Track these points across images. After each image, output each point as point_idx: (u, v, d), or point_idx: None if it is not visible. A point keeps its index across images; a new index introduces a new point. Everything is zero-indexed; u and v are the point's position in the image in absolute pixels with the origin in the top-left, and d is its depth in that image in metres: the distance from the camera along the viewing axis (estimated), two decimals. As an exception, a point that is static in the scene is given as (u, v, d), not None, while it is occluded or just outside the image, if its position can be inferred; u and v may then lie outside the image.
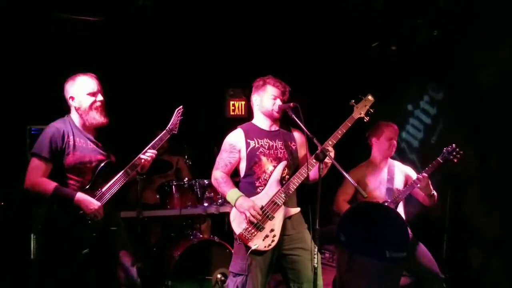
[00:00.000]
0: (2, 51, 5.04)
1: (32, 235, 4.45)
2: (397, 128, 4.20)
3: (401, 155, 5.63)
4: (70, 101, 3.27)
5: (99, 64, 5.25)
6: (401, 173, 4.09)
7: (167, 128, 3.44)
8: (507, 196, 4.60)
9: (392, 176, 4.04)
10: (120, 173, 3.28)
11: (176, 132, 3.46)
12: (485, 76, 4.65)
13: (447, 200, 5.08)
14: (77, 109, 3.27)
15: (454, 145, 3.86)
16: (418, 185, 3.84)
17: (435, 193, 3.97)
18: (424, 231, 5.34)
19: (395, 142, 4.13)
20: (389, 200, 3.87)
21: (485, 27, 4.75)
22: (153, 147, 3.38)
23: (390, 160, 4.15)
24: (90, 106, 3.26)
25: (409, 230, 3.91)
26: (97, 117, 3.28)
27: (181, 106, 3.50)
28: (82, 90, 3.25)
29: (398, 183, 4.03)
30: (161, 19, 5.29)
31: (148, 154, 3.34)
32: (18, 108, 5.16)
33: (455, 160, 3.83)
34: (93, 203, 3.15)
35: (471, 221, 5.00)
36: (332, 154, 3.21)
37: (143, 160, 3.32)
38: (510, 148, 4.56)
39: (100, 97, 3.29)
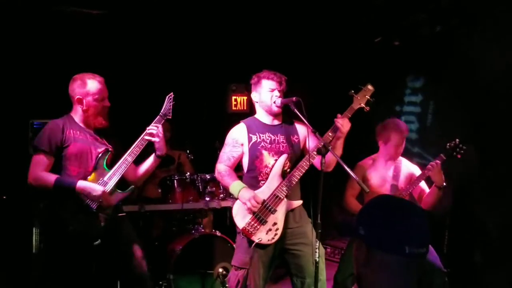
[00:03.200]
0: (4, 45, 5.04)
1: (34, 229, 4.46)
2: (405, 129, 4.08)
3: (405, 153, 5.66)
4: (76, 102, 3.29)
5: (101, 58, 5.27)
6: (406, 171, 4.05)
7: (160, 113, 3.45)
8: (509, 191, 4.60)
9: (398, 173, 4.00)
10: (121, 160, 3.30)
11: (170, 117, 3.48)
12: (487, 71, 4.64)
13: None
14: (83, 111, 3.29)
15: (457, 140, 3.80)
16: (430, 173, 3.76)
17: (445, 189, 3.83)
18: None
19: (402, 148, 4.05)
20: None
21: (487, 22, 4.75)
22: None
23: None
24: (98, 111, 3.31)
25: None
26: (101, 121, 3.34)
27: (171, 93, 3.52)
28: (92, 94, 3.27)
29: (402, 181, 4.00)
30: (163, 13, 5.28)
31: (152, 127, 3.35)
32: (20, 102, 5.15)
33: (459, 156, 3.78)
34: (96, 189, 3.16)
35: (472, 217, 5.00)
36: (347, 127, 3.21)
37: (154, 135, 3.34)
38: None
39: (107, 103, 3.34)
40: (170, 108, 3.47)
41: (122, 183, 3.39)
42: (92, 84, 3.27)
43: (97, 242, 3.16)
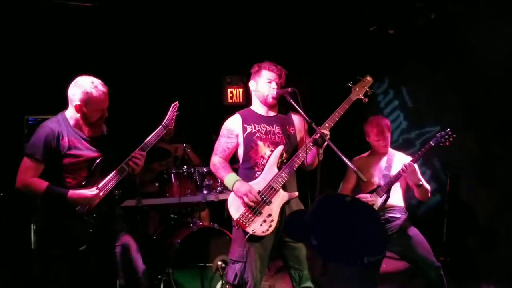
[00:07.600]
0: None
1: (32, 226, 4.46)
2: (385, 124, 4.07)
3: (405, 141, 5.71)
4: (75, 106, 3.13)
5: (95, 51, 5.24)
6: (399, 163, 4.05)
7: (162, 123, 3.39)
8: (506, 179, 4.61)
9: (390, 165, 4.02)
10: (115, 170, 3.23)
11: (172, 128, 3.42)
12: (484, 59, 4.63)
13: (447, 184, 5.10)
14: (80, 116, 3.17)
15: (448, 129, 3.81)
16: (404, 173, 3.80)
17: (426, 185, 3.89)
18: (424, 215, 5.39)
19: (383, 143, 4.04)
20: (382, 184, 3.89)
21: (483, 10, 4.73)
22: (148, 143, 3.32)
23: (390, 150, 4.13)
24: (94, 121, 3.21)
25: (406, 215, 3.93)
26: (95, 129, 3.25)
27: (176, 102, 3.44)
28: (93, 105, 3.14)
29: (394, 172, 4.01)
30: (157, 5, 5.25)
31: (135, 160, 3.25)
32: (16, 98, 5.14)
33: (447, 143, 3.79)
34: (87, 194, 3.11)
35: (470, 205, 5.01)
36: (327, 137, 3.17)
37: (131, 163, 3.24)
38: (509, 131, 4.55)
39: (106, 114, 3.24)
40: (173, 119, 3.41)
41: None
42: (96, 95, 3.12)
43: (82, 248, 3.14)
